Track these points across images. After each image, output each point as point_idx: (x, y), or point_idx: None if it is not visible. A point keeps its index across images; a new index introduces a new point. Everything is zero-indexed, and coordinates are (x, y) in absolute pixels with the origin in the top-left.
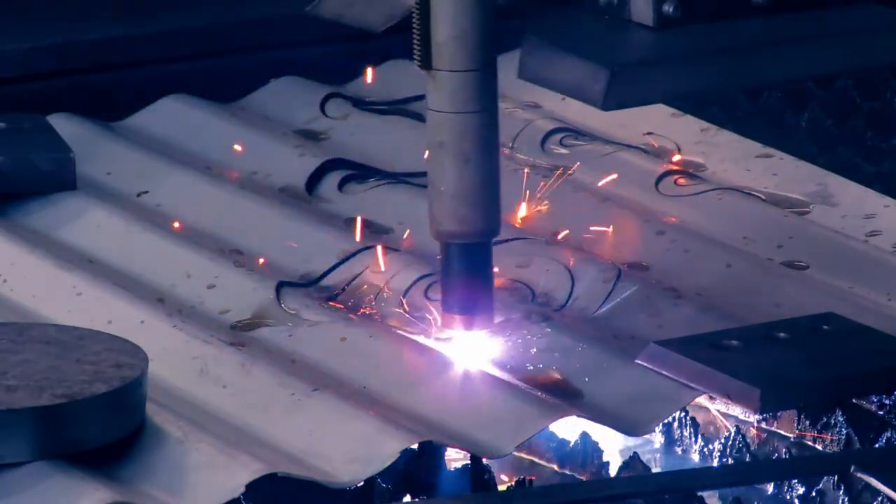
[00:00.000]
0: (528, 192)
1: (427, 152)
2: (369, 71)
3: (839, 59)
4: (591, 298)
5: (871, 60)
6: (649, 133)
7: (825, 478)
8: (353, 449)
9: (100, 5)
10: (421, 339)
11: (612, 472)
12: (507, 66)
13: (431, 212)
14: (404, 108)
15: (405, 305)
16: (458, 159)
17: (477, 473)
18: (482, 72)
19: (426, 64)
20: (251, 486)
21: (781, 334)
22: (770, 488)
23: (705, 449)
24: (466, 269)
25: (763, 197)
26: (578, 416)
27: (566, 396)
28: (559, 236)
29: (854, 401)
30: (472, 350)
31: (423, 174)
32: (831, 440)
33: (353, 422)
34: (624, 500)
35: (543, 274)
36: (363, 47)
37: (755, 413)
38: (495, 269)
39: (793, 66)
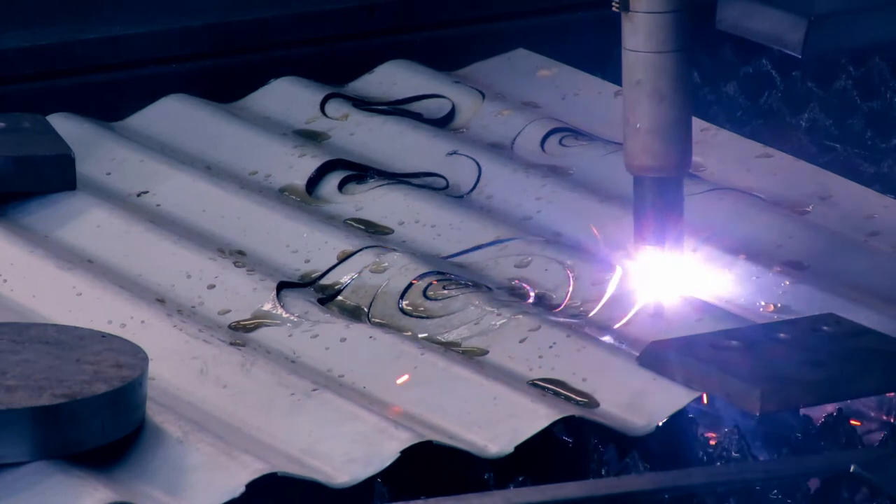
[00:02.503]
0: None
1: (624, 91)
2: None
3: None
4: (590, 298)
5: None
6: None
7: (825, 478)
8: (353, 449)
9: (100, 5)
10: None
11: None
12: (508, 66)
13: (626, 148)
14: (404, 108)
15: (404, 305)
16: (654, 97)
17: (477, 473)
18: (677, 13)
19: (624, 6)
20: (251, 486)
21: (781, 335)
22: (770, 488)
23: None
24: (658, 202)
25: (763, 197)
26: (578, 415)
27: (566, 396)
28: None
29: (854, 401)
30: (662, 278)
31: (423, 174)
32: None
33: (353, 422)
34: (624, 501)
35: (542, 273)
36: (363, 47)
37: (755, 413)
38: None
39: None
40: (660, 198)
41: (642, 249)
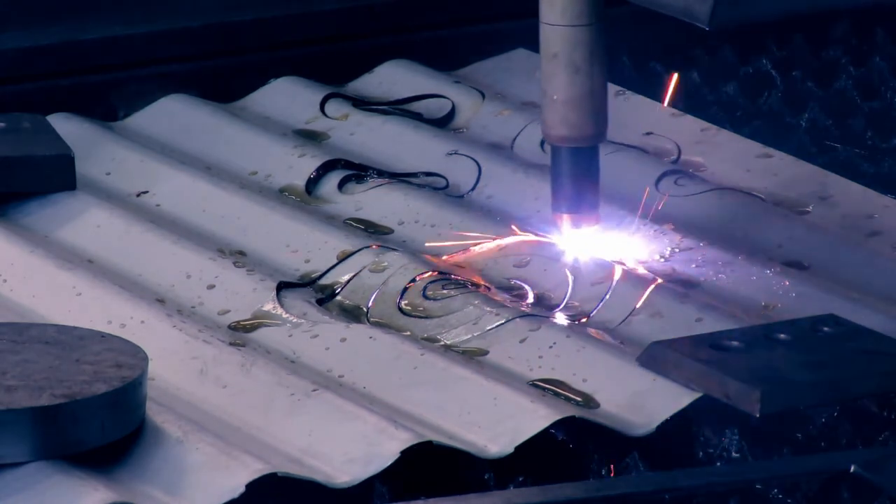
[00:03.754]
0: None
1: (542, 63)
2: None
3: None
4: (589, 298)
5: None
6: (649, 133)
7: (825, 478)
8: (353, 449)
9: (100, 5)
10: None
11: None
12: (508, 66)
13: (544, 118)
14: (404, 108)
15: (403, 305)
16: (570, 69)
17: (477, 473)
18: None
19: None
20: (251, 486)
21: (782, 335)
22: (770, 488)
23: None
24: (574, 172)
25: (763, 197)
26: (578, 416)
27: (566, 396)
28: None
29: (854, 401)
30: (579, 246)
31: (424, 174)
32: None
33: (353, 422)
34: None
35: (541, 273)
36: (363, 47)
37: (755, 415)
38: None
39: None
40: (576, 167)
41: (560, 218)
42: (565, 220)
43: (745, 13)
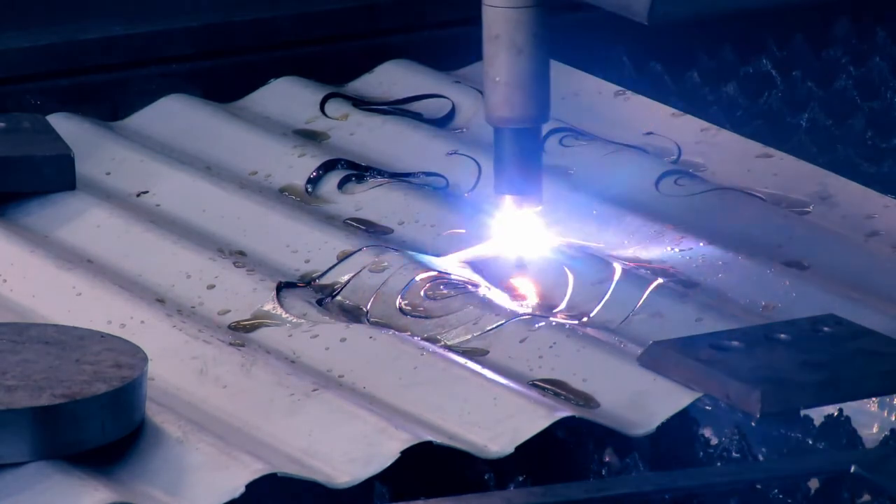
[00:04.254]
0: None
1: (484, 45)
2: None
3: None
4: (590, 298)
5: None
6: (649, 133)
7: (825, 478)
8: (353, 449)
9: (100, 5)
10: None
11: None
12: None
13: (486, 100)
14: (404, 108)
15: (403, 305)
16: (512, 51)
17: (476, 473)
18: None
19: None
20: (251, 486)
21: (782, 335)
22: (770, 488)
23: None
24: (517, 153)
25: (763, 197)
26: (578, 415)
27: (566, 396)
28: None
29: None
30: (522, 227)
31: (424, 174)
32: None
33: (353, 422)
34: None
35: (541, 273)
36: (363, 47)
37: (755, 415)
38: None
39: None
40: (519, 148)
41: (502, 199)
42: (508, 201)
43: (683, 9)
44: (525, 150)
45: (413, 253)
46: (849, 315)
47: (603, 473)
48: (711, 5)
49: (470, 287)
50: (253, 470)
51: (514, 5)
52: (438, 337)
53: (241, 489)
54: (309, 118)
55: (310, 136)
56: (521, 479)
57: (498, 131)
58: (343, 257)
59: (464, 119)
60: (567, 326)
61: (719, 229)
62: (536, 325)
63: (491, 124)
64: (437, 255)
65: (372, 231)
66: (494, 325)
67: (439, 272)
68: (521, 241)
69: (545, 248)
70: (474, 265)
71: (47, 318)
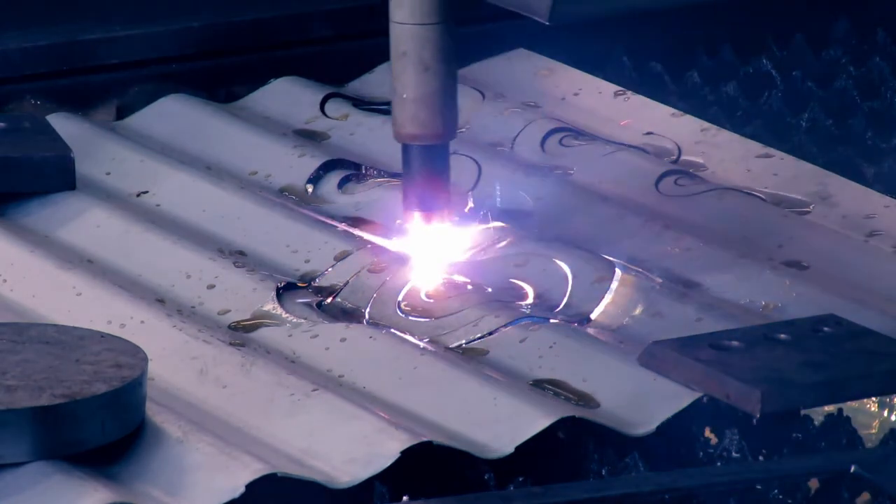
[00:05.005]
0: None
1: (392, 62)
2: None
3: None
4: (589, 298)
5: None
6: (649, 133)
7: (825, 478)
8: (353, 449)
9: (100, 5)
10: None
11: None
12: (508, 66)
13: (393, 117)
14: None
15: (403, 306)
16: (419, 67)
17: (477, 473)
18: None
19: None
20: (251, 486)
21: (782, 335)
22: (770, 488)
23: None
24: (425, 170)
25: (763, 197)
26: (578, 416)
27: (566, 396)
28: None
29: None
30: (430, 245)
31: None
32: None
33: (353, 422)
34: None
35: (541, 273)
36: (363, 47)
37: (755, 415)
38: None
39: None
40: (426, 165)
41: (411, 216)
42: (416, 218)
43: (584, 9)
44: (433, 167)
45: (413, 253)
46: (849, 315)
47: (603, 473)
48: (612, 5)
49: (470, 288)
50: (253, 470)
51: (422, 22)
52: (438, 338)
53: (241, 489)
54: (309, 118)
55: (310, 136)
56: (520, 479)
57: (406, 148)
58: (342, 258)
59: (463, 119)
60: (567, 326)
61: (719, 229)
62: (536, 326)
63: (398, 141)
64: (437, 255)
65: (372, 231)
66: (495, 327)
67: (439, 273)
68: (427, 255)
69: (447, 262)
70: (474, 266)
71: (47, 318)
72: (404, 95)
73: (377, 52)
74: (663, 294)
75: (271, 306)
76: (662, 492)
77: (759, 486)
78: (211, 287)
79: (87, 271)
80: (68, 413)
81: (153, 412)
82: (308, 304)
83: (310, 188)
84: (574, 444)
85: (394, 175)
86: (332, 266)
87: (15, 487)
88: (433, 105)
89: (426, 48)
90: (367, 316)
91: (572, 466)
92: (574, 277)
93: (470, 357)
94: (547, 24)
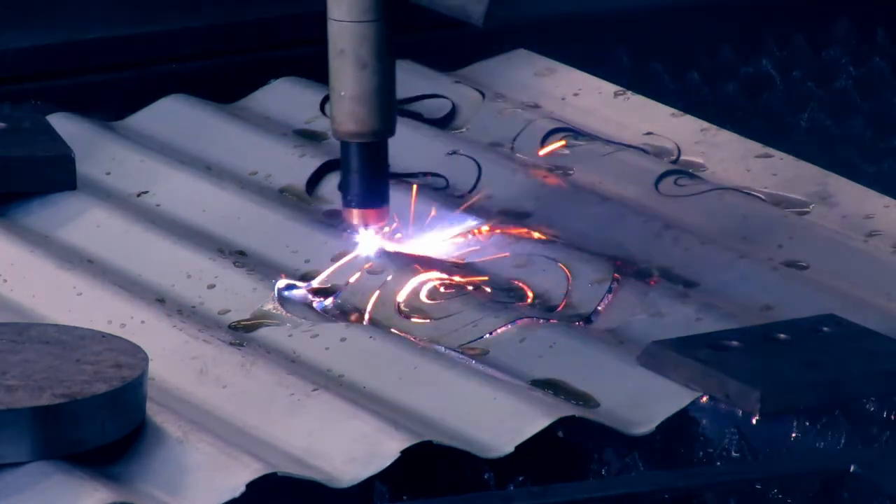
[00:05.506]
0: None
1: (329, 59)
2: None
3: None
4: (589, 298)
5: None
6: (649, 133)
7: (825, 478)
8: (353, 449)
9: (100, 5)
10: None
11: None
12: (508, 66)
13: (332, 115)
14: (404, 108)
15: (402, 307)
16: (357, 65)
17: (477, 473)
18: None
19: None
20: (251, 486)
21: (781, 335)
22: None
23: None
24: (364, 167)
25: (763, 197)
26: (578, 415)
27: (566, 396)
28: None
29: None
30: (370, 241)
31: (424, 174)
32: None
33: (353, 422)
34: (624, 501)
35: (540, 274)
36: None
37: (755, 415)
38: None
39: None
40: (365, 162)
41: (350, 212)
42: (355, 216)
43: (518, 13)
44: (371, 165)
45: (412, 254)
46: (849, 315)
47: (603, 473)
48: (545, 10)
49: (469, 288)
50: (253, 470)
51: (359, 19)
52: (438, 338)
53: (241, 489)
54: (309, 118)
55: (310, 136)
56: (520, 479)
57: (344, 145)
58: (341, 258)
59: (464, 119)
60: (567, 326)
61: (719, 229)
62: (536, 325)
63: (336, 139)
64: (437, 255)
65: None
66: (494, 327)
67: (439, 274)
68: (370, 251)
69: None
70: (474, 266)
71: (47, 318)
72: (342, 93)
73: None
74: (663, 294)
75: (271, 306)
76: (662, 492)
77: (758, 486)
78: (211, 287)
79: (87, 271)
80: (68, 413)
81: (153, 412)
82: (308, 305)
83: (310, 188)
84: (574, 444)
85: (394, 175)
86: (332, 266)
87: (15, 487)
88: (371, 102)
89: (364, 46)
90: (367, 316)
91: (572, 466)
92: (574, 277)
93: (470, 357)
94: (481, 27)
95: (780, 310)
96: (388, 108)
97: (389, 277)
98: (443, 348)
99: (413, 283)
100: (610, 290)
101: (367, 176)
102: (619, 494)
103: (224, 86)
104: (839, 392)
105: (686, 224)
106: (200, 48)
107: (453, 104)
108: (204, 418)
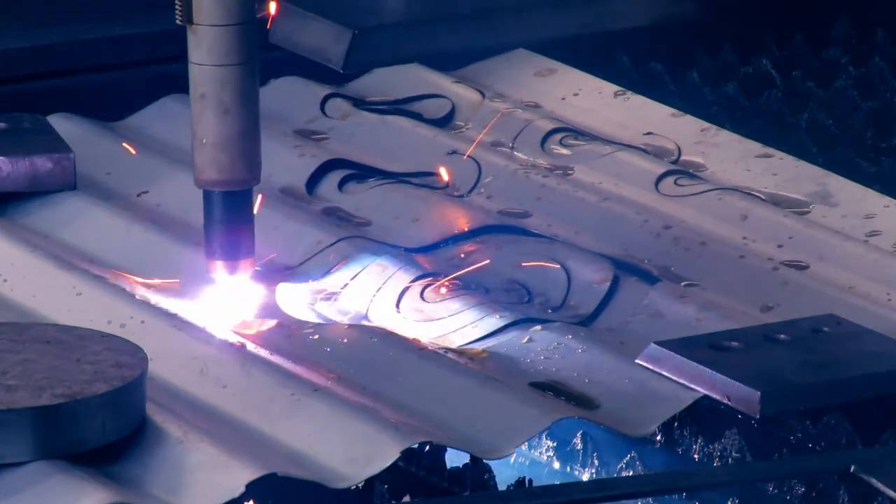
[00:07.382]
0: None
1: (191, 104)
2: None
3: None
4: (589, 299)
5: None
6: (649, 133)
7: (825, 478)
8: (353, 449)
9: (100, 5)
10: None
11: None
12: (508, 66)
13: (194, 162)
14: (404, 107)
15: (402, 308)
16: (218, 110)
17: (477, 473)
18: (240, 26)
19: (188, 19)
20: (251, 486)
21: (782, 336)
22: (770, 488)
23: (705, 449)
24: (228, 216)
25: (763, 197)
26: (579, 416)
27: (567, 397)
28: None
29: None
30: (236, 293)
31: (424, 174)
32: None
33: (353, 422)
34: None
35: (540, 274)
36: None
37: (755, 415)
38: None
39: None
40: (228, 211)
41: (213, 264)
42: (220, 267)
43: (377, 55)
44: (236, 214)
45: (412, 254)
46: (849, 315)
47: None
48: (405, 51)
49: (470, 289)
50: (253, 470)
51: (220, 63)
52: (439, 338)
53: (241, 489)
54: (309, 118)
55: (310, 136)
56: (520, 479)
57: (207, 194)
58: (340, 258)
59: (464, 119)
60: (567, 327)
61: (719, 229)
62: (537, 326)
63: (199, 187)
64: (437, 256)
65: (371, 231)
66: (495, 327)
67: (439, 274)
68: (230, 303)
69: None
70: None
71: (47, 318)
72: (204, 140)
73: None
74: (663, 294)
75: (272, 306)
76: (662, 492)
77: (758, 486)
78: (211, 287)
79: (87, 271)
80: (68, 413)
81: (153, 412)
82: (308, 305)
83: (310, 188)
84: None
85: (393, 175)
86: (332, 266)
87: (15, 487)
88: (234, 150)
89: (226, 90)
90: (367, 317)
91: None
92: (574, 278)
93: (470, 358)
94: (341, 71)
95: (780, 310)
96: (253, 155)
97: (390, 278)
98: (443, 349)
99: (413, 283)
100: (610, 291)
101: (232, 226)
102: (619, 494)
103: None
104: (839, 393)
105: (686, 224)
106: None
107: (453, 104)
108: (204, 418)
